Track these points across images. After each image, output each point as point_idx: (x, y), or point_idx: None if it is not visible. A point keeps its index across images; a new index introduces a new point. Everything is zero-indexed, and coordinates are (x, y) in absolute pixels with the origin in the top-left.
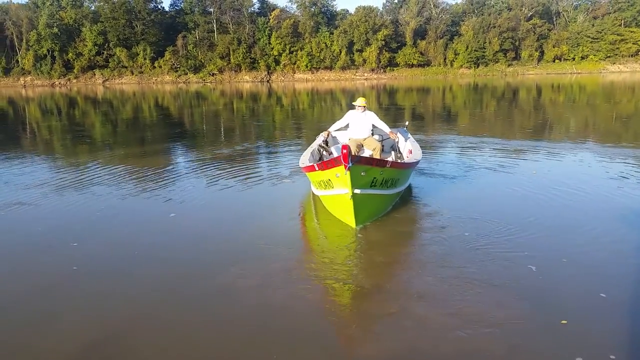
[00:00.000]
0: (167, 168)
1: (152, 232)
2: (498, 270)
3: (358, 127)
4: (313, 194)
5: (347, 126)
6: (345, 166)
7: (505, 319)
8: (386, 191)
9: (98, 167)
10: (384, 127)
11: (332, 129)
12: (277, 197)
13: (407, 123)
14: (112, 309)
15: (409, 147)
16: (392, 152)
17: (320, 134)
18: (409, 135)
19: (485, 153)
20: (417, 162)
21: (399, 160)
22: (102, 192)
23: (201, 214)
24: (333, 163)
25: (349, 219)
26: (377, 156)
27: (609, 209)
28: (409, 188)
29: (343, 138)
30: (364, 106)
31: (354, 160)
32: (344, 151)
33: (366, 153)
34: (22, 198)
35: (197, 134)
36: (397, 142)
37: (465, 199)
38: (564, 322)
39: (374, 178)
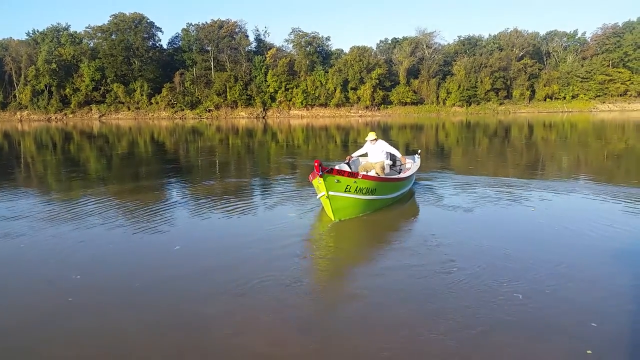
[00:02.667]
0: (166, 202)
1: (156, 265)
2: (474, 294)
3: (372, 154)
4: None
5: (365, 154)
6: (319, 175)
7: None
8: (362, 196)
9: (96, 202)
10: (396, 153)
11: (354, 155)
12: (277, 227)
13: (419, 151)
14: (99, 343)
15: (408, 168)
16: (401, 173)
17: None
18: (417, 161)
19: (483, 189)
20: (398, 178)
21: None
22: (104, 226)
23: (205, 246)
24: (314, 174)
25: (330, 214)
26: (380, 174)
27: (604, 245)
28: (405, 209)
29: (363, 161)
30: (375, 139)
31: (325, 171)
32: (316, 164)
33: (372, 173)
34: (17, 231)
35: (193, 169)
36: (408, 165)
37: (457, 226)
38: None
39: (348, 185)
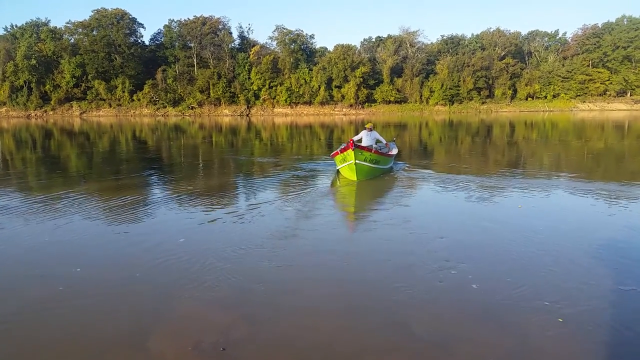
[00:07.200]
0: (158, 199)
1: (158, 257)
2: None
3: (365, 140)
4: (336, 173)
5: (360, 139)
6: (351, 148)
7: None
8: (373, 165)
9: (83, 199)
10: (383, 140)
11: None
12: (272, 219)
13: (395, 138)
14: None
15: (393, 150)
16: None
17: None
18: (394, 146)
19: (468, 187)
20: (389, 154)
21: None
22: (106, 221)
23: (208, 240)
24: (347, 148)
25: (353, 177)
26: None
27: (585, 238)
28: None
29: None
30: (370, 128)
31: (355, 147)
32: (350, 142)
33: None
34: (7, 225)
35: (175, 167)
36: (389, 147)
37: (439, 221)
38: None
39: (365, 157)
